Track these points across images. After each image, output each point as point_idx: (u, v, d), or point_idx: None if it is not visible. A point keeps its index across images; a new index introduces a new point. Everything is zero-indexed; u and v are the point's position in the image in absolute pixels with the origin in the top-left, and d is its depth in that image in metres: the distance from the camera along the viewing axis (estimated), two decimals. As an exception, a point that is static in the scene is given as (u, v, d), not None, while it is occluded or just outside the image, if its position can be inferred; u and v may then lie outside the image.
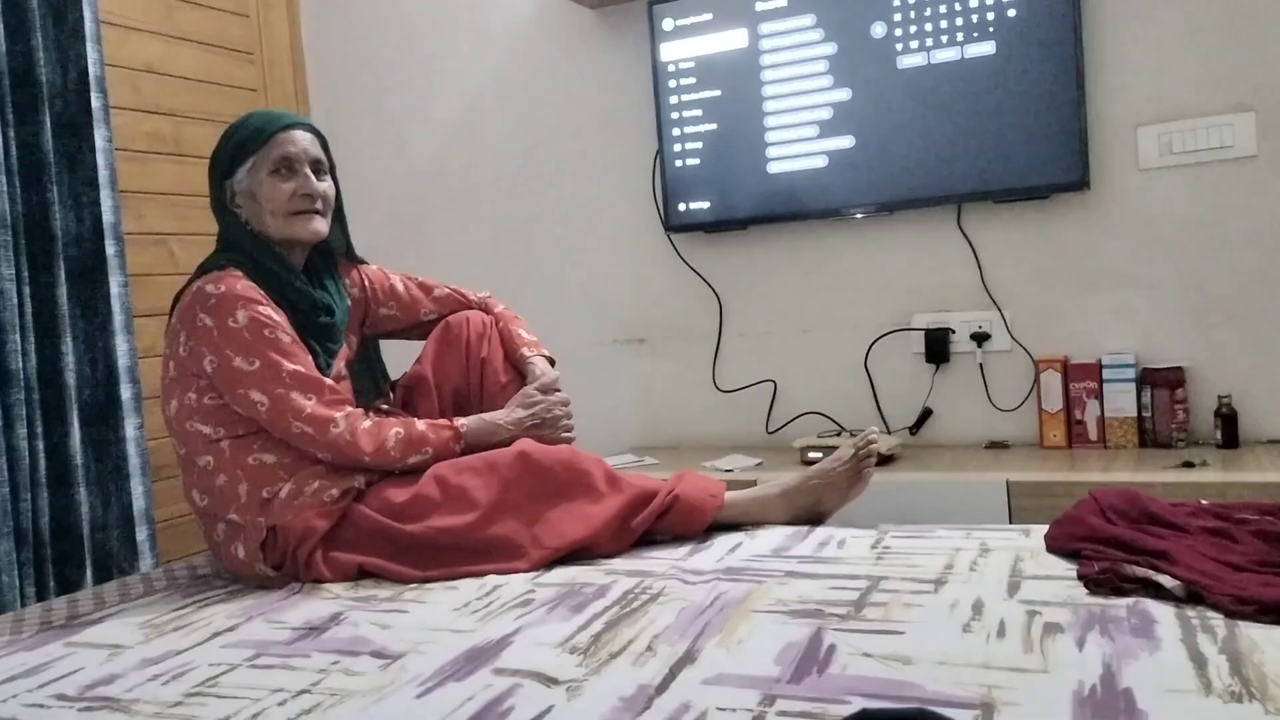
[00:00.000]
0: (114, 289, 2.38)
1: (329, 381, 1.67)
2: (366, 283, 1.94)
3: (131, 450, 2.40)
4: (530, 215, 3.05)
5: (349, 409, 1.67)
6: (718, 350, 2.84)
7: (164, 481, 2.60)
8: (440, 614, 1.40)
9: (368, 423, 1.66)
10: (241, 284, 1.65)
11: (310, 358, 1.69)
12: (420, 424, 1.72)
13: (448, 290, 2.02)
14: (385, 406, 1.90)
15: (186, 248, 2.78)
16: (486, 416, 1.79)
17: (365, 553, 1.61)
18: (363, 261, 1.96)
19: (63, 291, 2.30)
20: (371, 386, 2.00)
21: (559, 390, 1.89)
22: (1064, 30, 2.33)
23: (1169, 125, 2.34)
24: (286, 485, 1.64)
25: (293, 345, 1.66)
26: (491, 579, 1.54)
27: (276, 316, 1.66)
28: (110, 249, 2.38)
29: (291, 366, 1.63)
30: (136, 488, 2.41)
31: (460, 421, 1.75)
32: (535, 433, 1.80)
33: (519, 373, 1.93)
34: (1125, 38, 2.37)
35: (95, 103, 2.36)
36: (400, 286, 1.98)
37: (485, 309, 2.01)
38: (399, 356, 2.10)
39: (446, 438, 1.72)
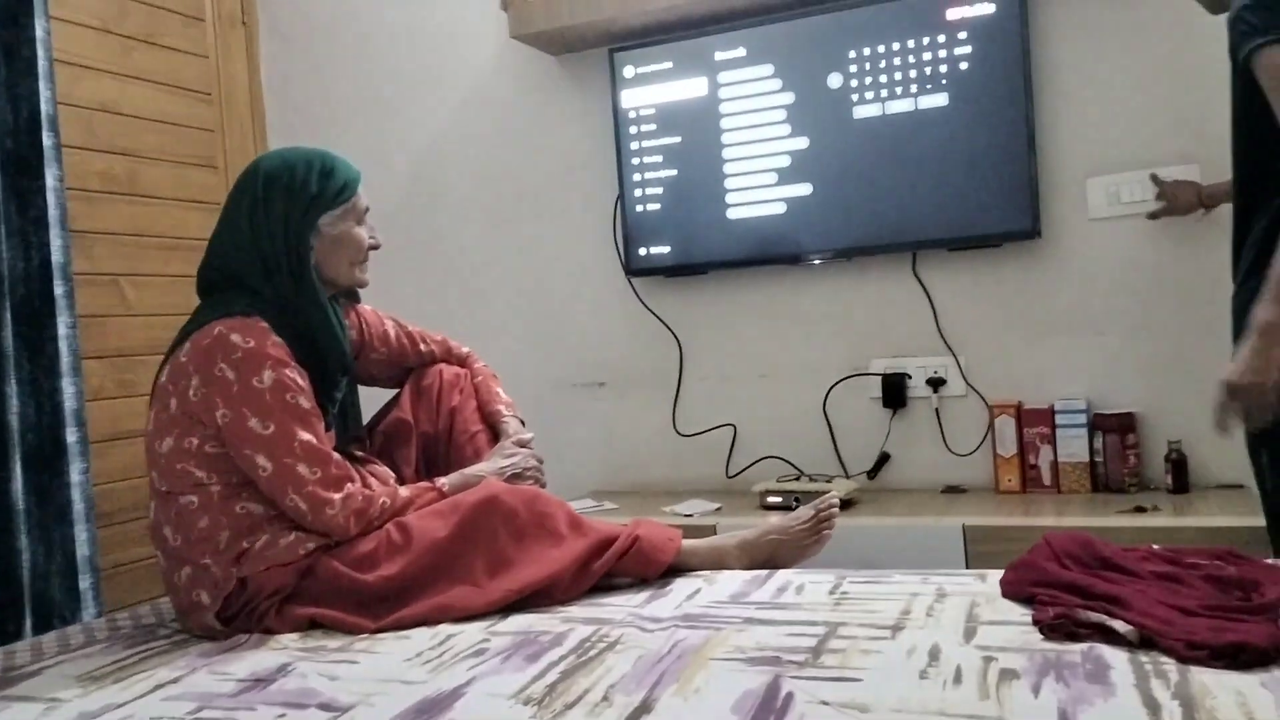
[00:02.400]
0: (61, 330, 2.34)
1: (336, 456, 1.65)
2: (363, 325, 1.94)
3: (76, 495, 2.34)
4: (491, 258, 3.05)
5: (349, 488, 1.62)
6: (678, 394, 2.84)
7: (111, 528, 2.54)
8: (391, 664, 1.37)
9: (360, 499, 1.62)
10: (271, 341, 1.61)
11: (322, 422, 1.67)
12: (405, 490, 1.71)
13: (434, 342, 2.03)
14: (361, 453, 1.87)
15: (139, 289, 2.75)
16: (467, 471, 1.80)
17: (321, 605, 1.58)
18: (359, 302, 1.95)
19: (8, 332, 2.25)
20: (346, 430, 1.97)
21: (532, 448, 1.91)
22: (1015, 83, 2.38)
23: (1117, 176, 2.39)
24: (263, 537, 1.60)
25: (310, 412, 1.63)
26: (445, 628, 1.51)
27: (301, 381, 1.63)
28: (59, 289, 2.34)
29: (305, 437, 1.59)
30: (81, 534, 2.35)
31: (442, 481, 1.75)
32: (514, 482, 1.80)
33: (490, 426, 1.93)
34: (1074, 91, 2.43)
35: (46, 141, 2.33)
36: (392, 333, 1.98)
37: (464, 364, 2.03)
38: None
39: (430, 499, 1.70)
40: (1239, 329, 1.68)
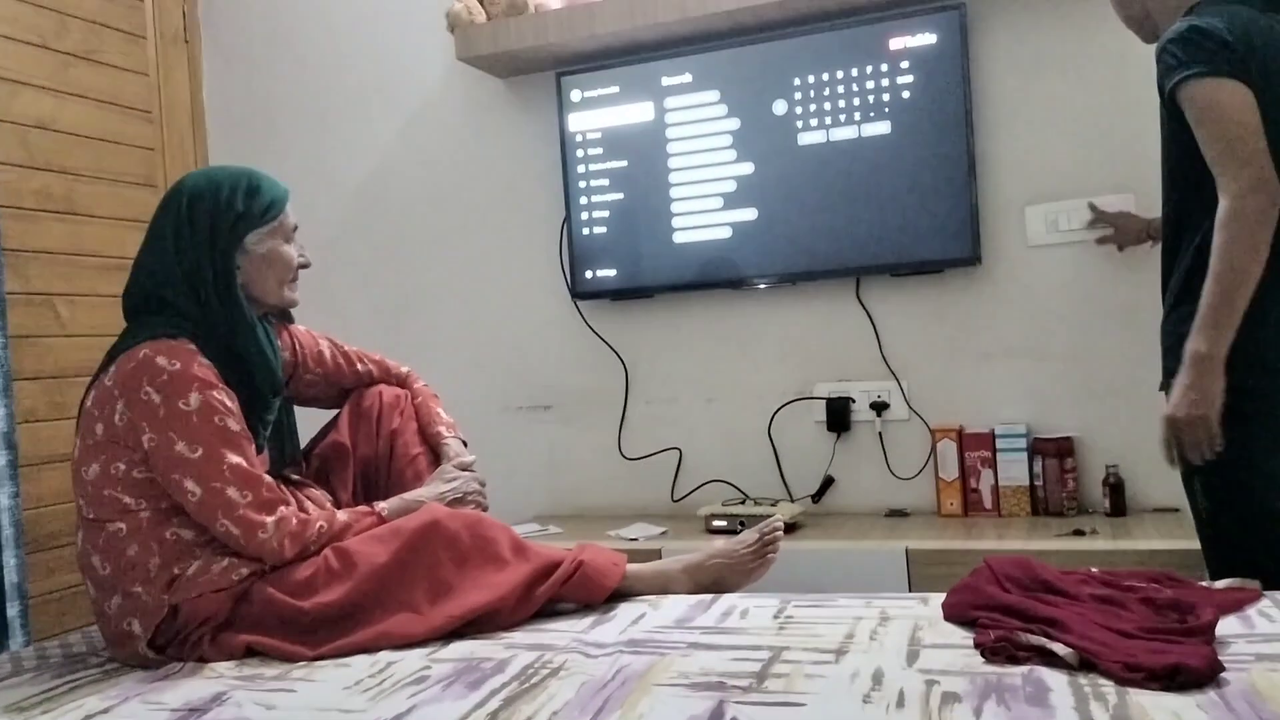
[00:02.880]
0: (-8, 350, 2.28)
1: (267, 478, 1.61)
2: (297, 346, 1.90)
3: (5, 520, 2.27)
4: (436, 280, 3.03)
5: (281, 511, 1.58)
6: (623, 418, 2.84)
7: (40, 553, 2.47)
8: (330, 693, 1.34)
9: (295, 522, 1.59)
10: (198, 363, 1.57)
11: (253, 445, 1.63)
12: (342, 515, 1.67)
13: (372, 362, 1.99)
14: (297, 476, 1.84)
15: (74, 308, 2.68)
16: (408, 495, 1.77)
17: (257, 632, 1.54)
18: (292, 322, 1.92)
19: (-65, 353, 2.18)
20: (281, 452, 1.94)
21: (475, 470, 1.88)
22: (956, 113, 2.43)
23: (1055, 205, 2.45)
24: (195, 563, 1.56)
25: (239, 434, 1.59)
26: (385, 655, 1.49)
27: (230, 403, 1.59)
28: (-11, 309, 2.28)
29: (234, 460, 1.56)
30: (9, 560, 2.27)
31: (381, 505, 1.72)
32: (456, 507, 1.77)
33: (431, 448, 1.91)
34: (1013, 121, 2.48)
35: (-21, 158, 2.27)
36: (328, 354, 1.95)
37: (404, 384, 2.00)
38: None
39: (369, 524, 1.67)
40: (1168, 355, 1.72)
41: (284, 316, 1.87)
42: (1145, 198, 2.33)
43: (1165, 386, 1.72)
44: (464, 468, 1.86)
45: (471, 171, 2.99)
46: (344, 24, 3.10)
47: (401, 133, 3.06)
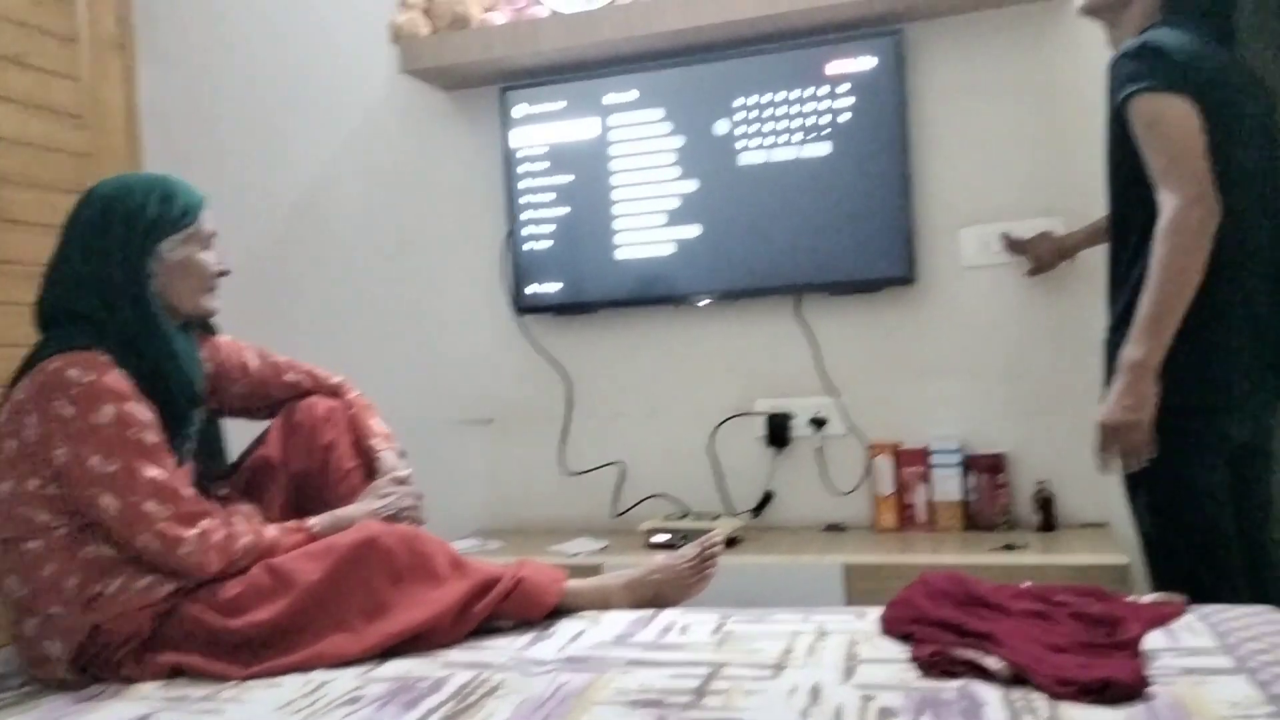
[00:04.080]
0: (-90, 360, 2.20)
1: (188, 491, 1.57)
2: (219, 357, 1.86)
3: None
4: (378, 292, 3.00)
5: (204, 524, 1.55)
6: (565, 432, 2.83)
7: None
8: (260, 714, 1.32)
9: (219, 536, 1.55)
10: (112, 375, 1.53)
11: (173, 457, 1.59)
12: (271, 530, 1.63)
13: (301, 372, 1.95)
14: (224, 492, 1.80)
15: (2, 318, 2.60)
16: (339, 512, 1.73)
17: (184, 652, 1.51)
18: (215, 333, 1.88)
19: None
20: (209, 466, 1.89)
21: (411, 484, 1.84)
22: (892, 136, 2.47)
23: (987, 226, 2.50)
24: (117, 580, 1.52)
25: (156, 447, 1.55)
26: (318, 675, 1.46)
27: (146, 415, 1.55)
28: (-91, 317, 2.20)
29: (151, 473, 1.52)
30: (-76, 578, 2.19)
31: (312, 521, 1.68)
32: (390, 523, 1.74)
33: (366, 461, 1.87)
34: (948, 145, 2.53)
35: (-99, 161, 2.20)
36: (253, 364, 1.90)
37: (337, 394, 1.95)
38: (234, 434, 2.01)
39: (298, 541, 1.63)
40: (1109, 368, 1.75)
41: (206, 327, 1.83)
42: (1072, 220, 2.40)
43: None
44: (400, 482, 1.82)
45: (414, 184, 2.97)
46: (287, 32, 3.07)
47: (343, 144, 3.03)
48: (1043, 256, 2.38)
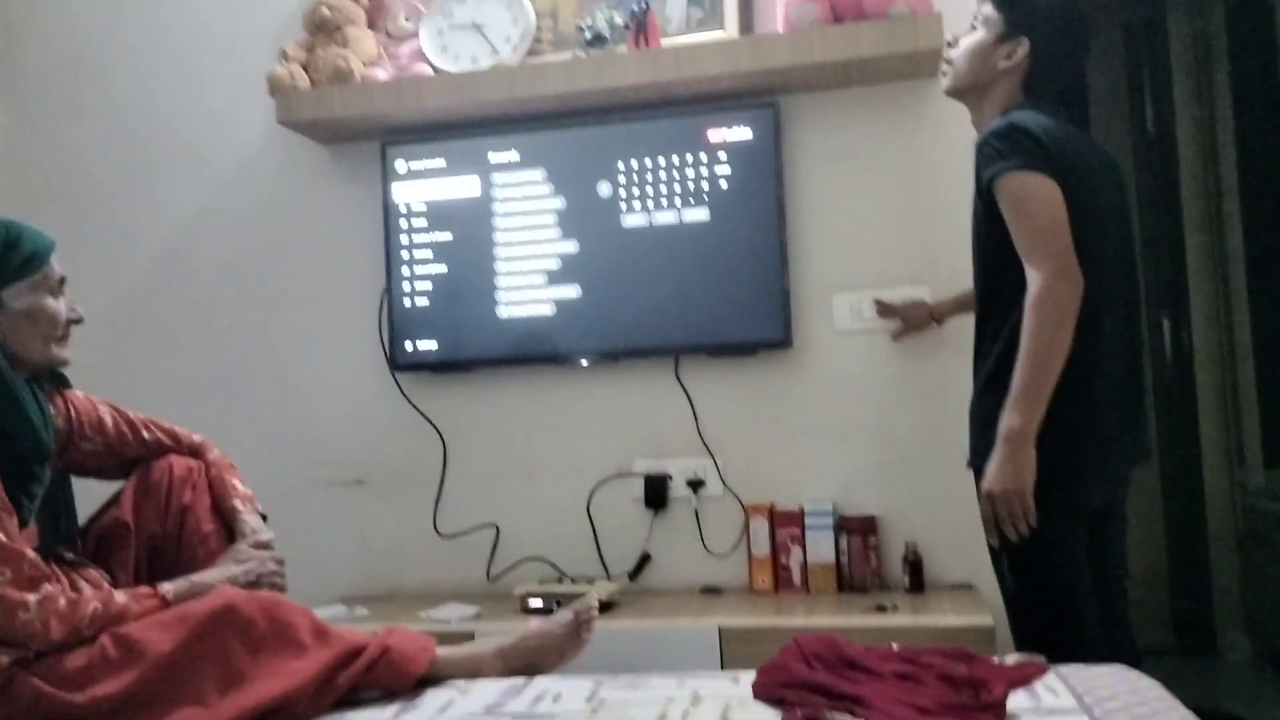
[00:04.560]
0: None
1: (30, 554, 1.47)
2: (72, 412, 1.75)
3: None
4: (245, 349, 2.90)
5: (46, 589, 1.45)
6: (440, 493, 2.77)
7: None
8: (101, 797, 1.23)
9: (63, 601, 1.45)
10: None
11: (14, 518, 1.49)
12: (121, 596, 1.53)
13: (160, 430, 1.86)
14: (71, 555, 1.69)
15: None
16: (195, 577, 1.64)
17: (20, 730, 1.40)
18: (68, 386, 1.77)
19: None
20: (55, 528, 1.78)
21: (273, 548, 1.77)
22: (769, 203, 2.54)
23: (859, 293, 2.58)
24: None
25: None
26: (166, 754, 1.37)
27: None
28: None
29: None
30: None
31: (166, 587, 1.59)
32: (250, 589, 1.66)
33: (226, 524, 1.79)
34: (822, 214, 2.61)
35: None
36: (109, 420, 1.80)
37: (197, 454, 1.86)
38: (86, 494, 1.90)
39: (151, 607, 1.54)
40: (979, 433, 1.80)
41: (58, 380, 1.73)
42: (941, 289, 2.49)
43: (973, 464, 1.81)
44: (260, 546, 1.75)
45: (289, 237, 2.90)
46: (160, 78, 2.98)
47: (215, 193, 2.94)
48: (911, 320, 2.47)
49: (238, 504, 1.80)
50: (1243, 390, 3.37)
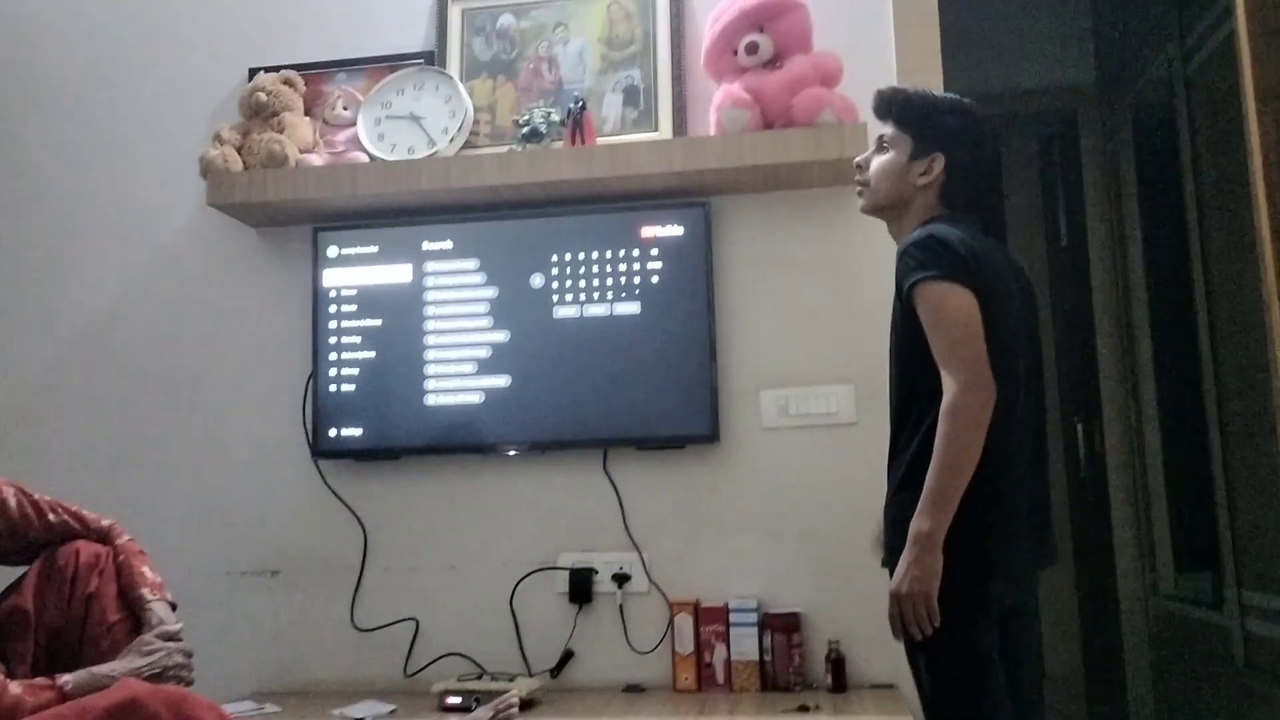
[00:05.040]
0: None
1: None
2: None
3: None
4: (161, 432, 2.82)
5: None
6: (359, 585, 2.70)
7: None
8: None
9: None
10: None
11: None
12: (15, 687, 1.46)
13: (66, 514, 1.79)
14: None
15: None
16: (98, 669, 1.57)
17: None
18: None
19: None
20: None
21: (181, 640, 1.71)
22: (699, 300, 2.58)
23: (785, 391, 2.62)
24: None
25: None
26: None
27: None
28: None
29: None
30: None
31: (65, 679, 1.52)
32: (155, 683, 1.59)
33: (133, 614, 1.72)
34: (750, 311, 2.66)
35: None
36: (12, 502, 1.73)
37: (105, 538, 1.80)
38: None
39: (47, 700, 1.46)
40: (893, 533, 1.83)
41: None
42: (865, 389, 2.55)
43: (887, 563, 1.83)
44: (168, 637, 1.68)
45: (215, 320, 2.85)
46: (88, 156, 2.96)
47: (141, 274, 2.90)
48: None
49: (146, 592, 1.74)
50: (1153, 493, 3.47)
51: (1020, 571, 1.88)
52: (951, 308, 1.78)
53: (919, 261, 1.82)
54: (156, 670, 1.63)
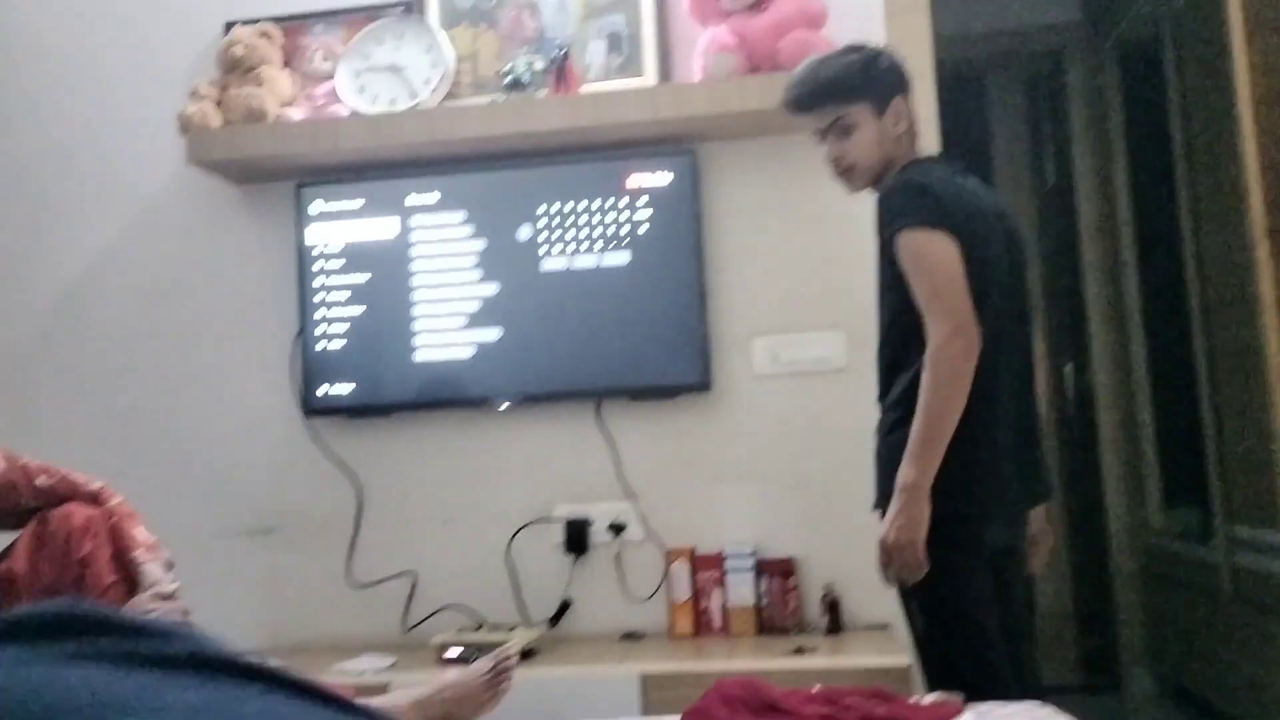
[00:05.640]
0: None
1: None
2: None
3: None
4: (151, 393, 2.81)
5: None
6: (354, 541, 2.71)
7: None
8: None
9: None
10: None
11: None
12: None
13: (56, 476, 1.77)
14: None
15: None
16: None
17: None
18: None
19: None
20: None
21: (177, 600, 1.70)
22: (688, 248, 2.57)
23: (777, 338, 2.62)
24: None
25: None
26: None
27: None
28: None
29: None
30: None
31: None
32: None
33: (128, 576, 1.72)
34: (740, 259, 2.65)
35: None
36: (1, 466, 1.72)
37: (97, 500, 1.78)
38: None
39: None
40: (885, 476, 1.84)
41: None
42: (855, 335, 2.54)
43: (879, 505, 1.84)
44: (164, 598, 1.68)
45: (199, 279, 2.82)
46: (65, 116, 2.90)
47: (122, 235, 2.86)
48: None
49: (140, 553, 1.73)
50: (1142, 432, 3.50)
51: (1010, 511, 1.90)
52: (932, 254, 1.77)
53: (899, 209, 1.80)
54: None
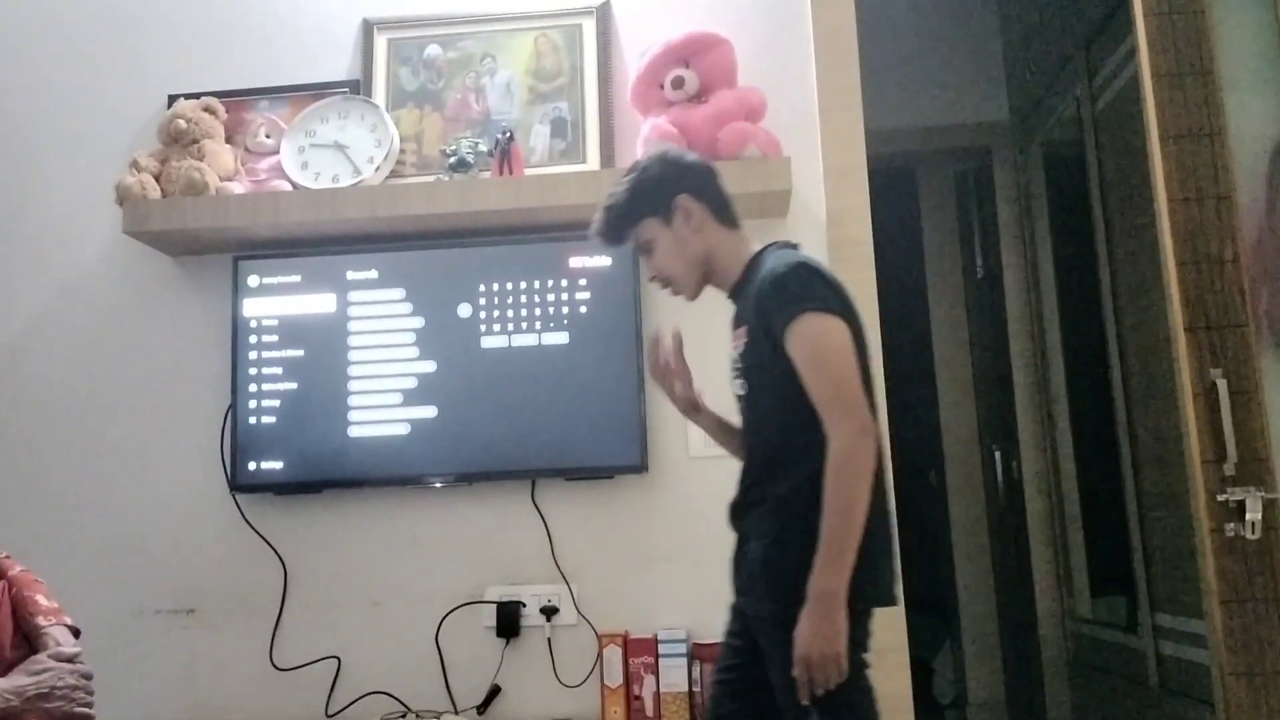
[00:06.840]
0: None
1: None
2: None
3: None
4: (70, 466, 2.72)
5: None
6: (278, 623, 2.63)
7: None
8: None
9: None
10: None
11: None
12: None
13: None
14: None
15: None
16: None
17: None
18: None
19: None
20: None
21: (80, 664, 1.63)
22: (627, 329, 2.59)
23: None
24: None
25: None
26: None
27: None
28: None
29: None
30: None
31: None
32: (42, 704, 1.52)
33: (32, 646, 1.65)
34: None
35: None
36: None
37: None
38: None
39: None
40: (775, 589, 1.74)
41: None
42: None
43: (765, 603, 1.78)
44: (62, 659, 1.60)
45: (130, 350, 2.77)
46: (-7, 182, 2.86)
47: (52, 302, 2.81)
48: (677, 389, 2.13)
49: (41, 620, 1.67)
50: (1069, 520, 3.56)
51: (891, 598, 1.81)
52: (835, 346, 1.69)
53: (797, 292, 1.71)
54: (44, 690, 1.54)
